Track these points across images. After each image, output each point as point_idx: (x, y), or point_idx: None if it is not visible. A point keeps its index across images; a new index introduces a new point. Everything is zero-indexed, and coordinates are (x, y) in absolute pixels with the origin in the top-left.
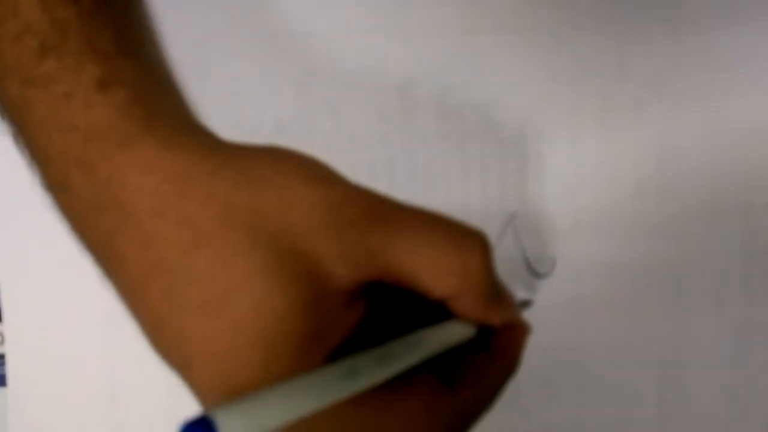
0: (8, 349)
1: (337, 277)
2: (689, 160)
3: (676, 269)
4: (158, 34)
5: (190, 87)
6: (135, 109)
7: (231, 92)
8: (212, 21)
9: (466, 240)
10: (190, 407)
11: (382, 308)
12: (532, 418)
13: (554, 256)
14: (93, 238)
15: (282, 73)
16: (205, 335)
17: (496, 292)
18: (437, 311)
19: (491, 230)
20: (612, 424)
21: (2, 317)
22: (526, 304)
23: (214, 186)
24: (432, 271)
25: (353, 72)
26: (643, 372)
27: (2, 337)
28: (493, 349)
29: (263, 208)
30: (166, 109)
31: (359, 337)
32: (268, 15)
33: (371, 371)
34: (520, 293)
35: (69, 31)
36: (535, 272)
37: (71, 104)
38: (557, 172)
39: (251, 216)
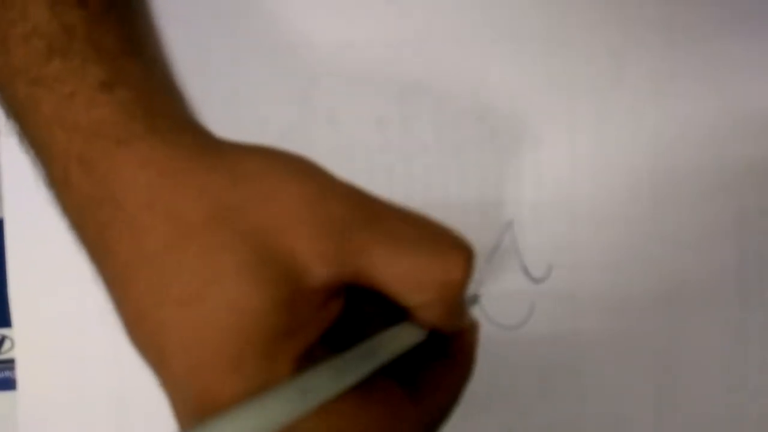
0: (18, 354)
1: (314, 277)
2: (684, 166)
3: (672, 273)
4: (160, 32)
5: (191, 96)
6: (136, 109)
7: (232, 101)
8: (213, 31)
9: (452, 252)
10: None
11: (360, 304)
12: (531, 418)
13: (551, 261)
14: (88, 233)
15: (283, 82)
16: (181, 328)
17: (462, 302)
18: (395, 310)
19: (489, 237)
20: (610, 424)
21: (12, 322)
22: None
23: (206, 182)
24: (410, 281)
25: (353, 80)
26: (640, 373)
27: (12, 342)
28: (453, 355)
29: (247, 205)
30: (166, 108)
31: (339, 331)
32: (268, 24)
33: (327, 385)
34: (518, 298)
35: (75, 34)
36: (532, 278)
37: (75, 103)
38: (554, 179)
39: (236, 212)
